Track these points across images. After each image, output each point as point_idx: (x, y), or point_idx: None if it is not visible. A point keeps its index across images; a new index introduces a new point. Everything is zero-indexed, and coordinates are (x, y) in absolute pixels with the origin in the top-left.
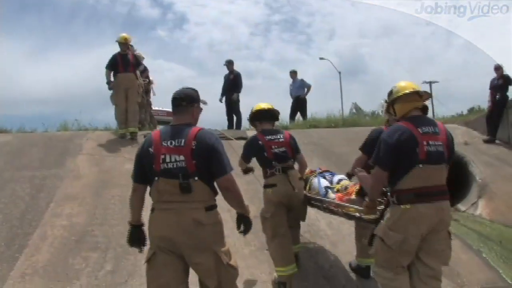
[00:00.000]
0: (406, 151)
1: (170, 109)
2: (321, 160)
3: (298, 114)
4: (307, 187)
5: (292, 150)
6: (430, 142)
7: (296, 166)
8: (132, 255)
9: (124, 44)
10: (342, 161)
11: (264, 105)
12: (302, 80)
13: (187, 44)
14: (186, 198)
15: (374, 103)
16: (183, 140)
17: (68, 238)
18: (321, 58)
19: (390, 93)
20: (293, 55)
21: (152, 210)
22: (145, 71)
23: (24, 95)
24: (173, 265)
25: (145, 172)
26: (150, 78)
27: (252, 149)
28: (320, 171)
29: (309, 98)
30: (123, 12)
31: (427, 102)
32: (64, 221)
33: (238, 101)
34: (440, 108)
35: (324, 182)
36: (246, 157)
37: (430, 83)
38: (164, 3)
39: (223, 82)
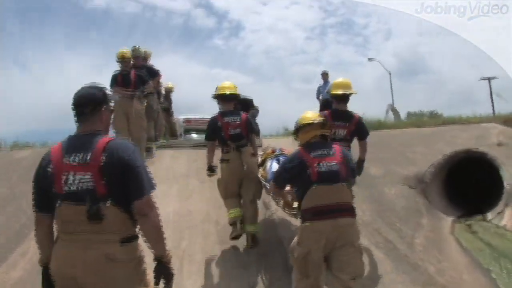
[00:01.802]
0: (298, 174)
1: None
2: None
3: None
4: (263, 168)
5: (247, 131)
6: (322, 163)
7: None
8: None
9: (123, 62)
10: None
11: (227, 88)
12: None
13: (244, 52)
14: (96, 228)
15: (433, 102)
16: (89, 155)
17: None
18: (369, 59)
19: (296, 123)
20: (350, 58)
21: (56, 240)
22: (155, 76)
23: None
24: None
25: (47, 197)
26: (169, 84)
27: (211, 129)
28: (280, 153)
29: (355, 100)
30: (179, 23)
31: None
32: None
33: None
34: (503, 106)
35: (275, 167)
36: (208, 136)
37: (489, 79)
38: (219, 12)
39: None
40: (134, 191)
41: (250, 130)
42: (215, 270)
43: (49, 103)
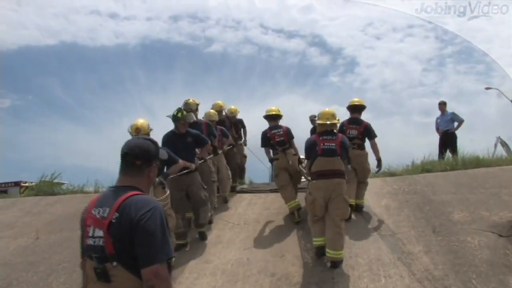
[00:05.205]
0: (311, 149)
1: None
2: (411, 212)
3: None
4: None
5: (288, 138)
6: (326, 144)
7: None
8: None
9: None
10: (437, 211)
11: (271, 111)
12: (453, 113)
13: (360, 87)
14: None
15: None
16: (107, 210)
17: None
18: (487, 88)
19: (317, 116)
20: (472, 87)
21: None
22: (203, 145)
23: None
24: None
25: None
26: (232, 107)
27: (264, 139)
28: None
29: (475, 133)
30: (294, 62)
31: None
32: None
33: None
34: None
35: None
36: (263, 144)
37: None
38: (333, 49)
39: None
40: (142, 258)
41: (290, 137)
42: None
43: None
